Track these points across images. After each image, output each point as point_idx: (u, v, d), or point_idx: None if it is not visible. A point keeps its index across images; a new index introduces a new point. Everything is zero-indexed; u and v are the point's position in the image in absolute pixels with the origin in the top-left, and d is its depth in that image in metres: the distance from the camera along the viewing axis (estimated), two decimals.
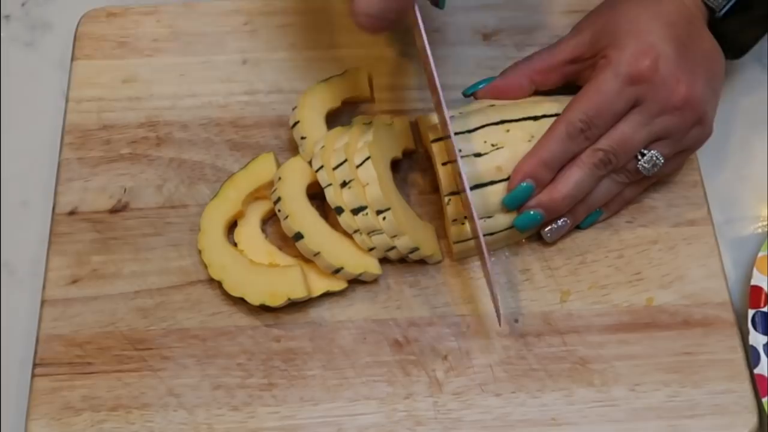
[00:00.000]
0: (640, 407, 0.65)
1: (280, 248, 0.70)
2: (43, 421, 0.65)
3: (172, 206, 0.72)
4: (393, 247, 0.67)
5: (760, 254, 0.69)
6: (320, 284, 0.68)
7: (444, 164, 0.68)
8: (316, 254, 0.67)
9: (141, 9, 0.81)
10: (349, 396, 0.66)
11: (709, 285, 0.69)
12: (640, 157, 0.68)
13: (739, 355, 0.67)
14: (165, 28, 0.80)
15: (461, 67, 0.77)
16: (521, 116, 0.68)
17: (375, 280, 0.69)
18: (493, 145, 0.68)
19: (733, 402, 0.65)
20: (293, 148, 0.74)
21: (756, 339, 0.66)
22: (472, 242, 0.68)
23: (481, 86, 0.71)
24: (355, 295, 0.69)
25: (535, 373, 0.66)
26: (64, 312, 0.68)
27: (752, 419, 0.65)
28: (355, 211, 0.67)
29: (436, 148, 0.69)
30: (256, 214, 0.71)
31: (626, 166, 0.68)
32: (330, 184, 0.68)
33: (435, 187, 0.72)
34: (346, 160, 0.68)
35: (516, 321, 0.68)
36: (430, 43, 0.65)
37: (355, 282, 0.69)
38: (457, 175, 0.67)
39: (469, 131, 0.68)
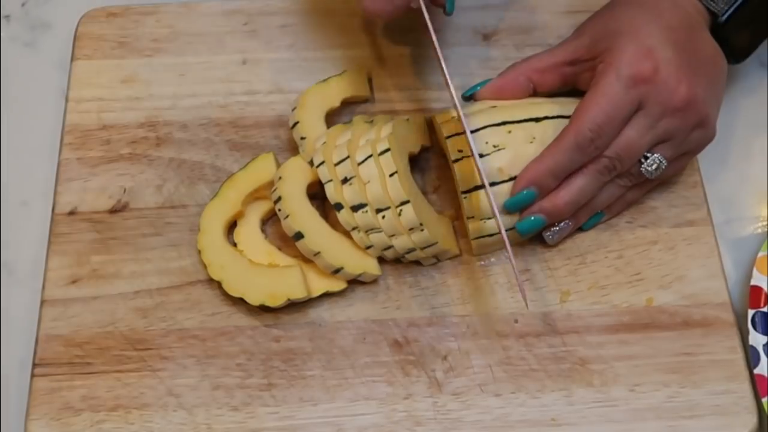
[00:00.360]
0: (640, 408, 0.65)
1: (279, 248, 0.70)
2: (42, 421, 0.65)
3: (172, 206, 0.72)
4: (390, 246, 0.67)
5: (760, 254, 0.69)
6: (320, 284, 0.68)
7: (456, 161, 0.68)
8: (316, 254, 0.67)
9: (141, 9, 0.81)
10: (348, 396, 0.66)
11: (708, 285, 0.69)
12: (643, 161, 0.68)
13: (739, 356, 0.67)
14: (165, 28, 0.80)
15: (461, 67, 0.77)
16: (523, 117, 0.68)
17: (375, 281, 0.69)
18: (494, 146, 0.68)
19: (732, 402, 0.65)
20: (293, 148, 0.74)
21: (756, 339, 0.66)
22: (489, 239, 0.68)
23: (479, 88, 0.71)
24: (355, 295, 0.69)
25: (534, 373, 0.66)
26: (63, 312, 0.68)
27: (752, 420, 0.65)
28: (355, 208, 0.67)
29: (450, 144, 0.69)
30: (255, 214, 0.71)
31: (630, 170, 0.68)
32: (330, 180, 0.68)
33: (435, 187, 0.72)
34: (348, 157, 0.68)
35: (516, 321, 0.68)
36: (431, 43, 0.67)
37: (355, 282, 0.69)
38: (474, 170, 0.67)
39: (471, 132, 0.68)
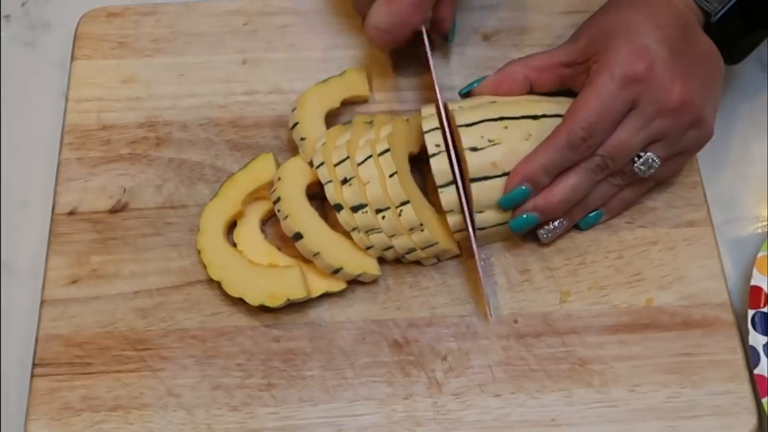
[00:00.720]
0: (640, 408, 0.65)
1: (279, 248, 0.70)
2: (42, 422, 0.65)
3: (172, 206, 0.72)
4: (390, 247, 0.67)
5: (760, 254, 0.69)
6: (319, 285, 0.68)
7: (433, 156, 0.68)
8: (316, 254, 0.67)
9: (141, 9, 0.81)
10: (348, 396, 0.66)
11: (708, 285, 0.69)
12: (636, 159, 0.68)
13: (739, 356, 0.67)
14: (165, 28, 0.80)
15: (461, 67, 0.77)
16: (521, 114, 0.68)
17: (374, 281, 0.69)
18: (489, 141, 0.67)
19: (732, 403, 0.65)
20: (293, 149, 0.74)
21: (756, 339, 0.66)
22: (479, 232, 0.68)
23: (475, 85, 0.71)
24: (355, 295, 0.69)
25: (534, 373, 0.66)
26: (63, 312, 0.68)
27: (752, 420, 0.65)
28: (355, 209, 0.67)
29: (428, 139, 0.69)
30: (255, 214, 0.71)
31: (623, 169, 0.68)
32: (330, 181, 0.68)
33: (435, 187, 0.72)
34: (347, 157, 0.68)
35: (515, 321, 0.68)
36: (429, 43, 0.69)
37: (355, 282, 0.69)
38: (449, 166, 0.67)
39: (467, 125, 0.68)
